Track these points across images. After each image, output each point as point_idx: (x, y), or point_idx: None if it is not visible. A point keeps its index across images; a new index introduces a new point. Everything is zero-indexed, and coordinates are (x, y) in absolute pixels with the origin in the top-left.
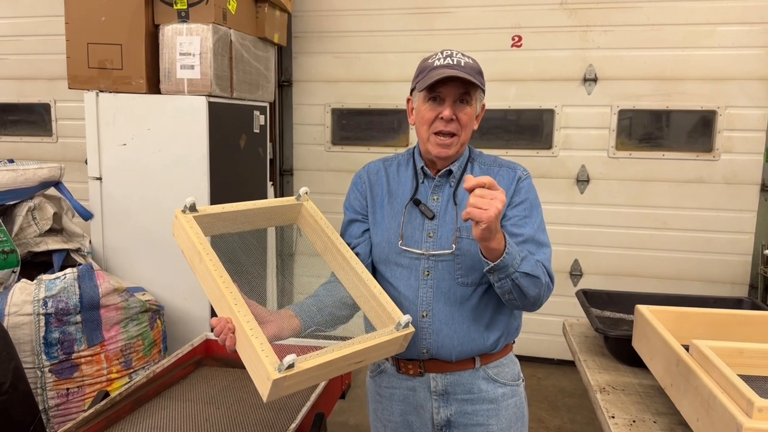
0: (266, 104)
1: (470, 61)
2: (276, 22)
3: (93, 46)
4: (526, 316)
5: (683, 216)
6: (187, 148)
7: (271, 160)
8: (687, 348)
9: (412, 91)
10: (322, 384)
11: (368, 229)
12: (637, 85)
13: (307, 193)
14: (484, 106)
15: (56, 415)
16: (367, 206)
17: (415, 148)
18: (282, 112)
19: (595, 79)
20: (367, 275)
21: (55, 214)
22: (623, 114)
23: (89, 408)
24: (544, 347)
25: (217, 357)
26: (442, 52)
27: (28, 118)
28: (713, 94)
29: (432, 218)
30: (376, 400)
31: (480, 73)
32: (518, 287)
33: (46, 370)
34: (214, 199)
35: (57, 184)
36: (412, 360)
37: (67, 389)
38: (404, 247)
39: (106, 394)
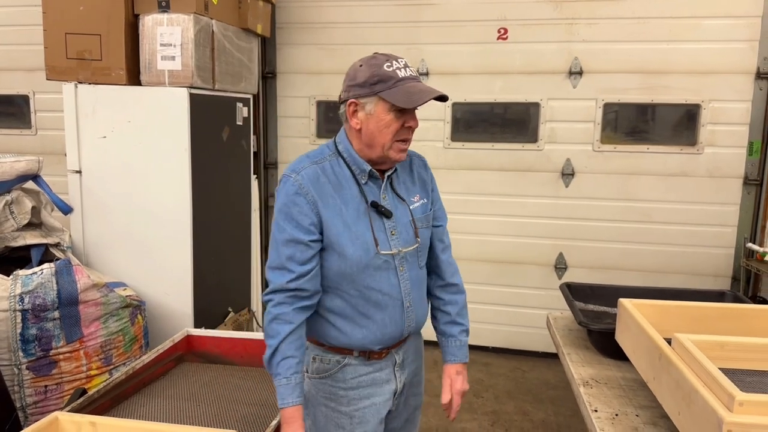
0: (250, 96)
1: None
2: (259, 12)
3: (71, 36)
4: (510, 309)
5: (667, 209)
6: (168, 140)
7: (255, 152)
8: (669, 341)
9: (359, 95)
10: None
11: (316, 254)
12: (622, 79)
13: None
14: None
15: (34, 412)
16: (320, 221)
17: (337, 147)
18: (266, 104)
19: (580, 73)
20: None
21: (33, 208)
22: (608, 107)
23: (66, 406)
24: (528, 340)
25: (199, 353)
26: (394, 61)
27: (7, 110)
28: (698, 87)
29: (390, 217)
30: (331, 399)
31: None
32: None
33: (23, 367)
34: (196, 193)
35: (35, 177)
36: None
37: (45, 386)
38: (383, 252)
39: (84, 392)
